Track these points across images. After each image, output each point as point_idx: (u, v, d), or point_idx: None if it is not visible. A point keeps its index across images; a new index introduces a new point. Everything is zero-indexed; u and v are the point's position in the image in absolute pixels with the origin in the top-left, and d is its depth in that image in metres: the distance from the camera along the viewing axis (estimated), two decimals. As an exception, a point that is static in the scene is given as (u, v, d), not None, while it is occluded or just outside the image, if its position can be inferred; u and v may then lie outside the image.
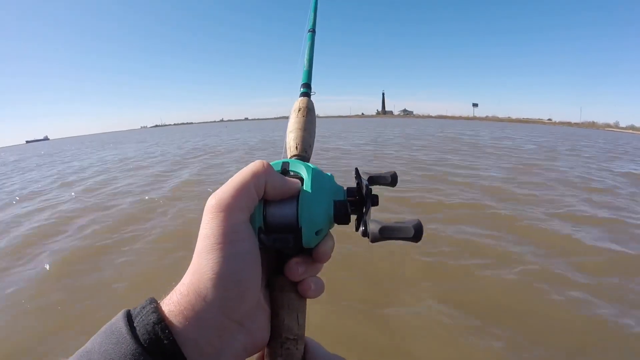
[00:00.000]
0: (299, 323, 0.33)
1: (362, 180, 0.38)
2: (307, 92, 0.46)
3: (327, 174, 0.36)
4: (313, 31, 0.51)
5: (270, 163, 0.35)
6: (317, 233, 0.33)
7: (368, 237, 0.32)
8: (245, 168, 0.32)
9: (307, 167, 0.35)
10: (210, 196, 0.30)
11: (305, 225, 0.32)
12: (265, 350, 0.33)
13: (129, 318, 0.26)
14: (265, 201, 0.32)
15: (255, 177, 0.31)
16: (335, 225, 0.35)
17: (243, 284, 0.28)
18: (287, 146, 0.42)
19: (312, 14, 0.53)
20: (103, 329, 0.26)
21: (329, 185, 0.35)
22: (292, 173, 0.36)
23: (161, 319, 0.26)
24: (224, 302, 0.27)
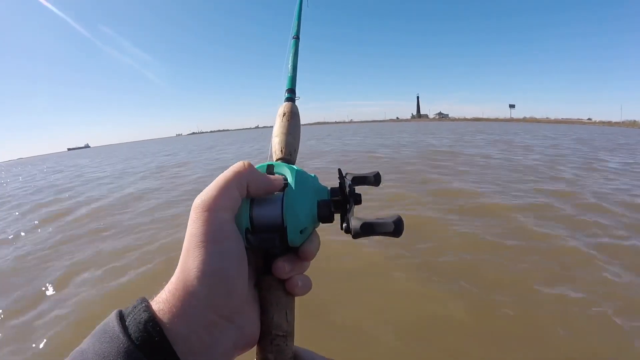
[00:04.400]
0: (287, 320, 0.34)
1: (346, 180, 0.39)
2: (291, 97, 0.47)
3: (311, 175, 0.38)
4: (297, 38, 0.52)
5: (256, 166, 0.36)
6: (301, 232, 0.34)
7: (350, 234, 0.33)
8: (228, 169, 0.33)
9: (291, 169, 0.36)
10: (196, 197, 0.31)
11: (289, 224, 0.33)
12: (256, 347, 0.33)
13: (121, 317, 0.27)
14: (252, 201, 0.33)
15: (237, 176, 0.32)
16: (321, 224, 0.37)
17: (229, 280, 0.29)
18: (272, 150, 0.43)
19: (296, 21, 0.54)
20: (96, 329, 0.27)
21: (312, 185, 0.37)
22: (276, 175, 0.37)
23: (152, 317, 0.27)
24: (210, 298, 0.28)
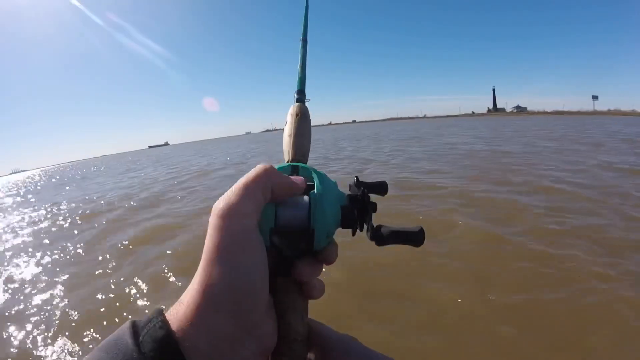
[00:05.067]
0: (303, 324, 0.33)
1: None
2: (301, 98, 0.47)
3: (332, 180, 0.37)
4: (305, 40, 0.51)
5: (278, 167, 0.36)
6: (327, 235, 0.34)
7: (375, 241, 0.34)
8: (250, 172, 0.31)
9: (316, 172, 0.36)
10: (217, 202, 0.29)
11: (318, 227, 0.32)
12: (272, 352, 0.31)
13: (135, 331, 0.25)
14: (276, 203, 0.32)
15: (261, 179, 0.31)
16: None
17: (256, 293, 0.28)
18: (286, 150, 0.42)
19: (304, 23, 0.53)
20: (108, 340, 0.25)
21: (335, 191, 0.36)
22: (298, 177, 0.36)
23: (169, 334, 0.25)
24: (238, 313, 0.26)
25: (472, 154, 10.60)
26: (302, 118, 0.45)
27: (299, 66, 0.49)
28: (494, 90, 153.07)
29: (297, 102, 0.47)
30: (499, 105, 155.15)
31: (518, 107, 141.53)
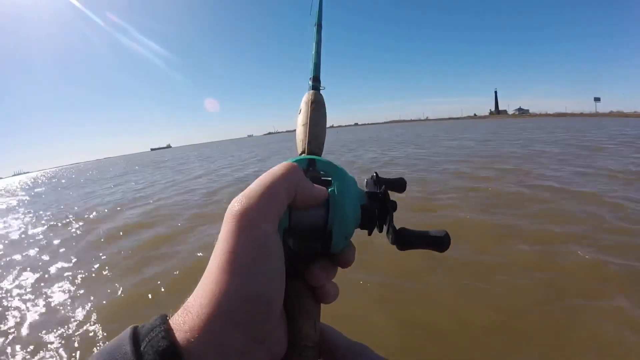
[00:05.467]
0: (315, 330, 0.30)
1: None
2: (316, 85, 0.44)
3: (351, 176, 0.34)
4: (319, 25, 0.49)
5: (295, 159, 0.33)
6: (345, 237, 0.31)
7: (397, 244, 0.32)
8: (273, 170, 0.29)
9: (337, 168, 0.33)
10: (235, 200, 0.27)
11: (336, 229, 0.30)
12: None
13: (136, 340, 0.23)
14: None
15: (287, 181, 0.28)
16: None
17: (271, 303, 0.25)
18: (299, 140, 0.39)
19: (318, 8, 0.51)
20: (107, 348, 0.23)
21: (354, 188, 0.33)
22: (317, 171, 0.33)
23: (173, 344, 0.22)
24: (252, 324, 0.24)
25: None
26: (318, 106, 0.42)
27: (313, 52, 0.46)
28: (496, 92, 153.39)
29: (312, 89, 0.44)
30: (501, 108, 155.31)
31: (520, 109, 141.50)
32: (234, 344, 0.24)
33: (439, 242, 0.32)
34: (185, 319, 0.24)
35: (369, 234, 0.34)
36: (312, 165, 0.34)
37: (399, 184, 0.39)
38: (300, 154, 0.38)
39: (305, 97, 0.43)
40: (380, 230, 0.34)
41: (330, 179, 0.32)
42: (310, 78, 0.45)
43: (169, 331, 0.23)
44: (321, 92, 0.44)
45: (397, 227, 0.32)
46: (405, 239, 0.32)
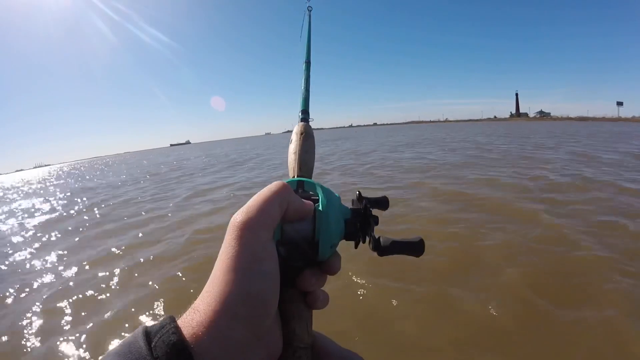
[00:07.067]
0: (308, 332, 0.34)
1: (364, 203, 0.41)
2: (305, 117, 0.50)
3: (336, 195, 0.39)
4: (308, 62, 0.54)
5: (287, 180, 0.39)
6: (331, 247, 0.35)
7: (377, 251, 0.36)
8: (269, 188, 0.33)
9: (321, 187, 0.38)
10: (236, 214, 0.31)
11: (322, 238, 0.34)
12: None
13: (147, 336, 0.26)
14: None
15: (280, 197, 0.32)
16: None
17: (269, 301, 0.29)
18: (291, 166, 0.45)
19: (306, 46, 0.55)
20: (122, 345, 0.26)
21: (338, 204, 0.38)
22: (307, 191, 0.38)
23: (181, 340, 0.25)
24: (252, 320, 0.28)
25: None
26: (307, 136, 0.48)
27: (302, 87, 0.52)
28: (517, 94, 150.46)
29: (301, 121, 0.50)
30: (521, 110, 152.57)
31: (541, 112, 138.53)
32: (237, 337, 0.27)
33: (414, 248, 0.36)
34: (194, 317, 0.27)
35: (355, 246, 0.39)
36: (301, 187, 0.39)
37: (382, 202, 0.44)
38: (292, 177, 0.43)
39: (296, 129, 0.49)
40: (364, 242, 0.39)
41: (317, 197, 0.37)
42: (300, 111, 0.51)
43: (177, 328, 0.26)
44: (310, 123, 0.49)
45: (377, 236, 0.37)
46: (383, 246, 0.36)
